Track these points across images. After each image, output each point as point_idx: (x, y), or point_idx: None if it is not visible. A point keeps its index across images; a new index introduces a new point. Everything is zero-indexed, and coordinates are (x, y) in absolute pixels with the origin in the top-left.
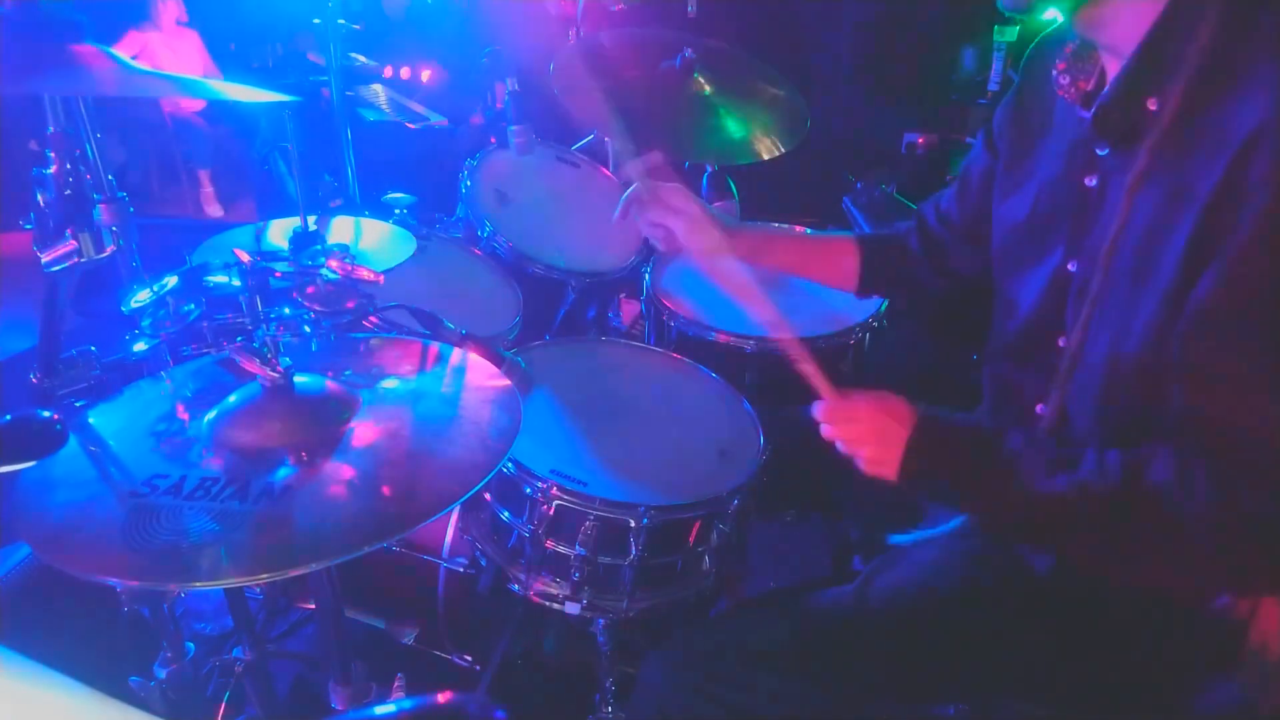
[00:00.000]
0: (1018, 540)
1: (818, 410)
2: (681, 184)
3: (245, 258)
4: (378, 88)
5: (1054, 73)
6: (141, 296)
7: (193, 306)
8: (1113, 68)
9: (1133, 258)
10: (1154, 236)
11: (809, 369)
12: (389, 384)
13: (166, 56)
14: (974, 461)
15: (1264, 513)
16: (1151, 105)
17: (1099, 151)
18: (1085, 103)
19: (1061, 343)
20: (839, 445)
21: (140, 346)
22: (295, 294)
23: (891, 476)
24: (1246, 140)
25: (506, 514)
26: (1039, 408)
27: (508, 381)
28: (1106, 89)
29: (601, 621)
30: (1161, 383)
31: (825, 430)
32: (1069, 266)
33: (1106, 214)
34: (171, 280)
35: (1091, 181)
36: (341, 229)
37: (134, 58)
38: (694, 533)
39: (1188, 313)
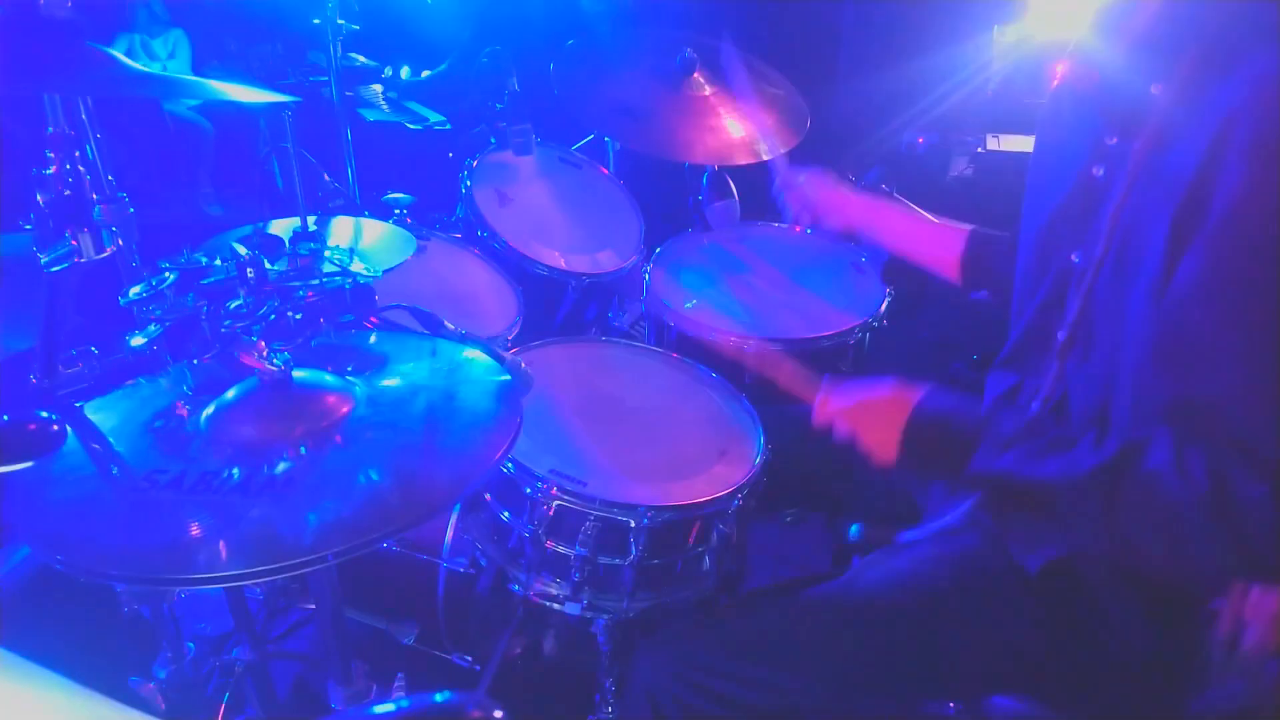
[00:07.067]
0: (1021, 523)
1: (818, 398)
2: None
3: (244, 253)
4: (378, 88)
5: (1063, 69)
6: (137, 289)
7: (191, 297)
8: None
9: (1125, 243)
10: (1145, 221)
11: (788, 373)
12: (388, 383)
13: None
14: (970, 444)
15: (1256, 497)
16: (1156, 90)
17: (1108, 141)
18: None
19: (1061, 335)
20: (838, 431)
21: (138, 341)
22: (295, 293)
23: (891, 457)
24: (1225, 121)
25: (506, 514)
26: (1034, 405)
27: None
28: (1115, 74)
29: (602, 622)
30: (1156, 370)
31: (823, 415)
32: (1072, 257)
33: (1109, 202)
34: (169, 275)
35: (1099, 171)
36: (341, 229)
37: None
38: (694, 533)
39: (1170, 296)
